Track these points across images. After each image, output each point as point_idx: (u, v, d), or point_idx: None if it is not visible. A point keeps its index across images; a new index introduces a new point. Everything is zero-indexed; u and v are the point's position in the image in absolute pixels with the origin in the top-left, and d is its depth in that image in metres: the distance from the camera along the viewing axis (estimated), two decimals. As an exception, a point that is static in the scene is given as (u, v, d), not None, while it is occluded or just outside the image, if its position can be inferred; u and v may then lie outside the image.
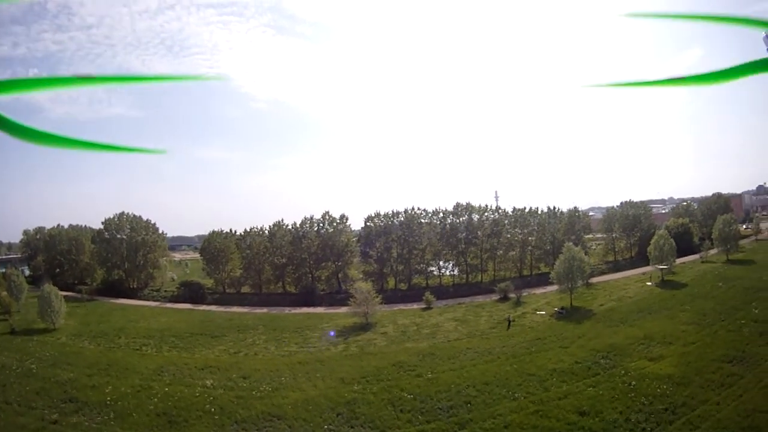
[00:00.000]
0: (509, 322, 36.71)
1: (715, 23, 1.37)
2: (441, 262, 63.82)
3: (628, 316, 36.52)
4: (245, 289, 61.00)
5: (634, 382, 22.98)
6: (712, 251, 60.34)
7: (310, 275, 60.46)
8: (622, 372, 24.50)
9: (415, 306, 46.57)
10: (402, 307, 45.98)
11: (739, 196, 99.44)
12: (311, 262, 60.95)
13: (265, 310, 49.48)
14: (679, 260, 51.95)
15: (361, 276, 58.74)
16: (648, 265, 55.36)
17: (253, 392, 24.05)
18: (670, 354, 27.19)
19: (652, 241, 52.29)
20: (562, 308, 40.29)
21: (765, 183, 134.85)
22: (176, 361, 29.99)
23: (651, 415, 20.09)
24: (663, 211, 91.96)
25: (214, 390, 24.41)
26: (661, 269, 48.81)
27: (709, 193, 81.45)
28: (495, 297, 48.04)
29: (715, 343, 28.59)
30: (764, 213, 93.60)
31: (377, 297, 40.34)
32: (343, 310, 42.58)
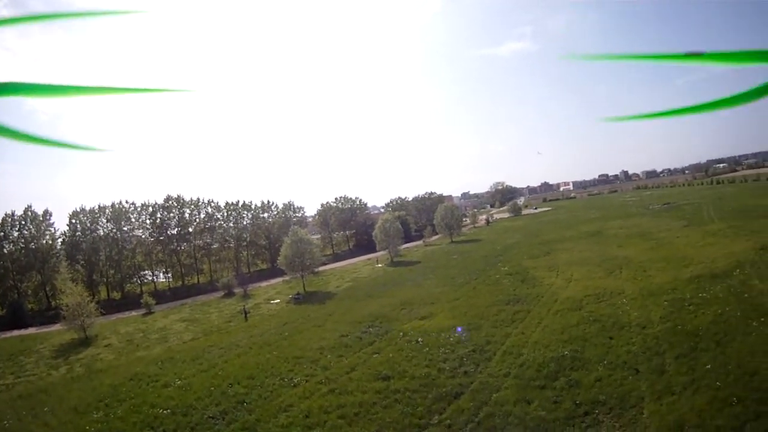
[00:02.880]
0: (246, 313, 43.87)
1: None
2: (153, 264, 74.54)
3: (373, 291, 45.94)
4: (-60, 320, 62.56)
5: (420, 339, 27.85)
6: (435, 237, 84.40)
7: (16, 290, 64.68)
8: (401, 334, 29.39)
9: (134, 313, 53.72)
10: (120, 316, 53.18)
11: (449, 197, 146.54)
12: (14, 272, 65.25)
13: (-35, 341, 49.61)
14: (401, 247, 70.86)
15: (68, 288, 62.96)
16: (367, 254, 73.02)
17: (-32, 453, 23.62)
18: (440, 311, 34.26)
19: (378, 226, 68.52)
20: (298, 293, 49.98)
21: (469, 191, 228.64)
22: None
23: (463, 358, 24.00)
24: (375, 212, 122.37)
25: None
26: (389, 251, 66.49)
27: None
28: (219, 294, 58.65)
29: (480, 294, 37.61)
30: (474, 210, 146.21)
31: (92, 304, 44.14)
32: (57, 327, 46.52)
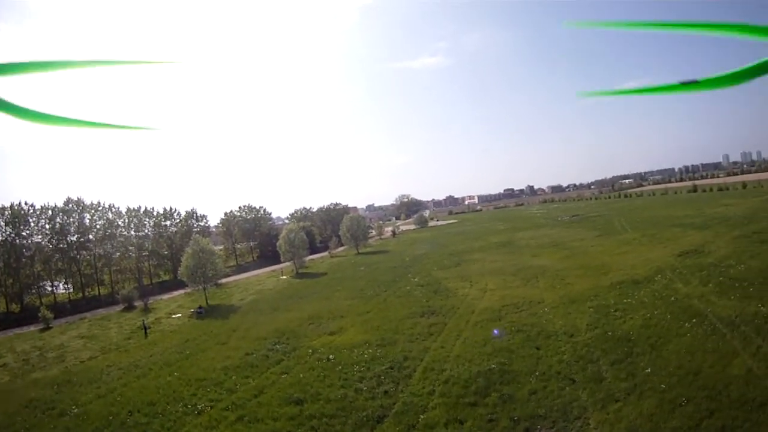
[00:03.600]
0: (145, 329, 44.31)
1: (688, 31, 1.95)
2: (53, 273, 73.83)
3: (279, 304, 46.72)
4: None
5: (332, 356, 27.60)
6: (340, 248, 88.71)
7: None
8: (310, 351, 29.34)
9: (32, 328, 53.59)
10: (18, 331, 53.41)
11: (354, 209, 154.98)
12: None
13: None
14: (307, 258, 74.49)
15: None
16: (272, 265, 76.98)
17: None
18: (350, 325, 34.34)
19: (282, 236, 71.93)
20: (200, 307, 50.83)
21: (374, 203, 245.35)
22: None
23: (381, 377, 23.57)
24: (279, 223, 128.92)
25: None
26: (295, 262, 68.62)
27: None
28: (119, 307, 59.15)
29: (392, 307, 37.92)
30: (380, 221, 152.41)
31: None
32: (-49, 345, 46.72)
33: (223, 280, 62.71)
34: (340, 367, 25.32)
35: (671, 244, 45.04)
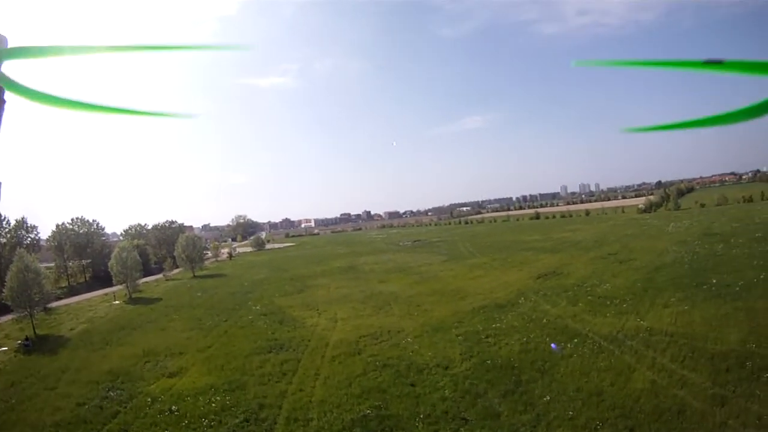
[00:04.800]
0: None
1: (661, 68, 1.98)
2: None
3: (111, 336, 43.35)
4: None
5: (174, 407, 24.44)
6: (176, 270, 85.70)
7: None
8: (148, 400, 26.19)
9: None
10: None
11: (190, 228, 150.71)
12: None
13: None
14: (141, 281, 71.13)
15: None
16: (105, 287, 73.90)
17: None
18: (191, 364, 31.37)
19: (114, 255, 68.01)
20: (27, 338, 45.95)
21: (209, 223, 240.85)
22: None
23: None
24: (114, 239, 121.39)
25: None
26: (128, 286, 65.13)
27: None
28: None
29: (236, 340, 35.07)
30: (216, 242, 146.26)
31: None
32: None
33: (54, 304, 57.95)
34: (186, 422, 22.04)
35: (526, 267, 47.27)
